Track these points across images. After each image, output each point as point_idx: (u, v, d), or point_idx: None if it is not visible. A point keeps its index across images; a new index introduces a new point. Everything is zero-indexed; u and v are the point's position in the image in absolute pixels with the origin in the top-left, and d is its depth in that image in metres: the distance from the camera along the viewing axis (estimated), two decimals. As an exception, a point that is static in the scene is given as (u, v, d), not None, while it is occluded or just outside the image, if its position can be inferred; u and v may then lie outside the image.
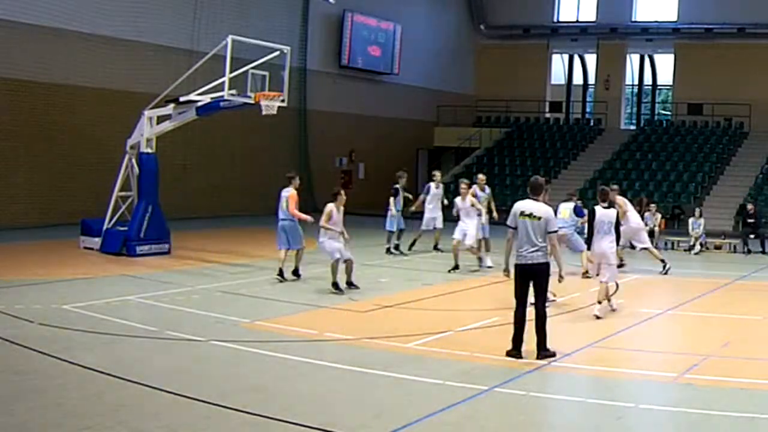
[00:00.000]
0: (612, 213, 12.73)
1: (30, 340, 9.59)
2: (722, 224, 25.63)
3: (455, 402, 7.68)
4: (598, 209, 12.79)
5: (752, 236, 22.52)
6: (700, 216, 22.64)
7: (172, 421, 7.05)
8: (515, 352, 9.29)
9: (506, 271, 9.96)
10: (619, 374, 9.10)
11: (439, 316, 12.04)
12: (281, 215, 14.83)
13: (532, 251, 9.30)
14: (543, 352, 9.27)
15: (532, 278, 9.38)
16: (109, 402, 7.47)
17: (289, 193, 14.78)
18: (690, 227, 22.76)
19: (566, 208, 16.15)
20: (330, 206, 13.74)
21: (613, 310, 12.37)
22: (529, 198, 9.60)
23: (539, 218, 9.37)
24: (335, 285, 13.50)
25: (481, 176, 18.59)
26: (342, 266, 13.74)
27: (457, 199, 16.95)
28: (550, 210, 9.60)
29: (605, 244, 12.49)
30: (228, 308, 12.05)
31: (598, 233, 12.58)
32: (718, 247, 22.61)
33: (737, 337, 11.02)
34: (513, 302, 9.47)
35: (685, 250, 22.27)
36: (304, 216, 14.75)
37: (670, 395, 8.19)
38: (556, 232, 9.65)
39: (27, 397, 7.50)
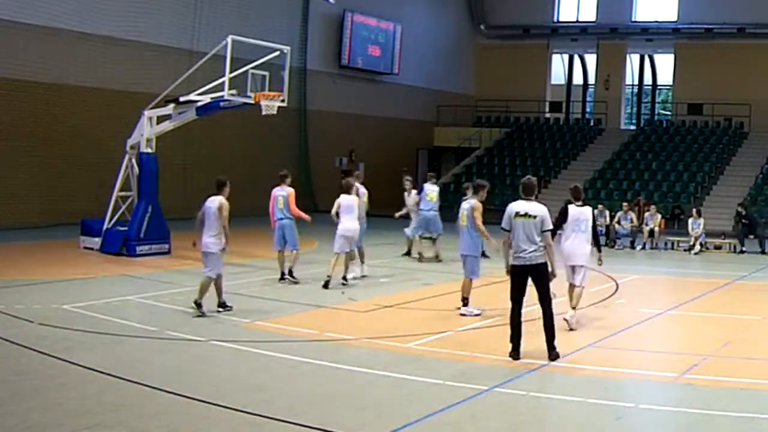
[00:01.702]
0: (588, 211, 11.48)
1: (30, 340, 9.59)
2: (722, 224, 25.60)
3: (455, 402, 7.68)
4: (572, 208, 11.48)
5: (751, 236, 22.54)
6: (700, 216, 22.63)
7: (172, 421, 7.05)
8: (513, 353, 9.29)
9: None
10: (619, 374, 9.10)
11: (439, 316, 12.02)
12: (279, 215, 14.54)
13: (531, 251, 9.27)
14: (553, 352, 9.27)
15: (529, 279, 9.37)
16: (109, 402, 7.47)
17: (289, 192, 14.51)
18: (690, 227, 22.75)
19: (433, 191, 18.39)
20: (226, 203, 11.70)
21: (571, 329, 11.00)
22: (522, 199, 9.56)
23: (535, 217, 9.34)
24: (200, 305, 11.43)
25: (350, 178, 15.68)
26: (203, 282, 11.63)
27: None
28: (545, 208, 9.54)
29: (577, 243, 11.32)
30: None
31: (573, 232, 11.32)
32: (717, 247, 22.61)
33: (737, 337, 11.02)
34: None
35: (685, 250, 22.28)
36: (305, 215, 14.66)
37: (670, 395, 8.19)
38: (550, 230, 9.59)
39: (27, 397, 7.50)
